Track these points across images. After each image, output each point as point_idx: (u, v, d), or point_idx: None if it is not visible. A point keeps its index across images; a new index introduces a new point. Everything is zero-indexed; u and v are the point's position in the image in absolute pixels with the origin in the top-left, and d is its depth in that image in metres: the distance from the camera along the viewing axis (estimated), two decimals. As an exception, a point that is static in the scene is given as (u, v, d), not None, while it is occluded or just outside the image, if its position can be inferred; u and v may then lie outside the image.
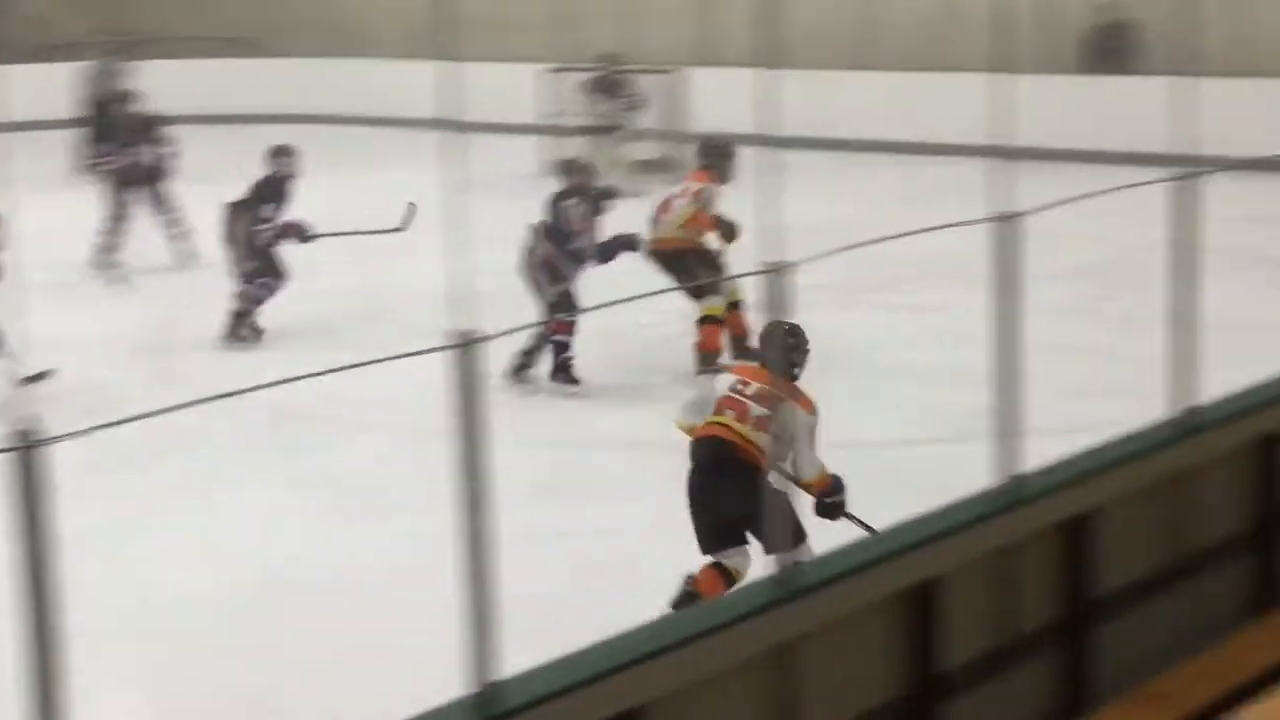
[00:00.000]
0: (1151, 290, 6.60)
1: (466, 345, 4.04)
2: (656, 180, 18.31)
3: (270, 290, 12.06)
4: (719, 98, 17.51)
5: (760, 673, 4.77)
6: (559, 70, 19.71)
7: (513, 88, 19.77)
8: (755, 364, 7.28)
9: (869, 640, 5.13)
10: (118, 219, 14.77)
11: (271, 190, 12.09)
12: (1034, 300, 5.49)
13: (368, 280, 13.80)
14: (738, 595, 4.78)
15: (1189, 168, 6.19)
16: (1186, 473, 6.28)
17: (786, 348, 6.84)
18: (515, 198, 16.57)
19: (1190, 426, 6.22)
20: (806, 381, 7.05)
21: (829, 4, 21.05)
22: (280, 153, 12.33)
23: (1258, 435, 6.58)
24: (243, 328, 12.00)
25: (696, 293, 10.70)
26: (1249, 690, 5.57)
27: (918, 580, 5.16)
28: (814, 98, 18.05)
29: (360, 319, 12.59)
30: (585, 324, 10.46)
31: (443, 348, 4.02)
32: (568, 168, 11.85)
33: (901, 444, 9.39)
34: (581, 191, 10.98)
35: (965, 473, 5.53)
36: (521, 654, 4.13)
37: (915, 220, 6.75)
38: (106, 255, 14.61)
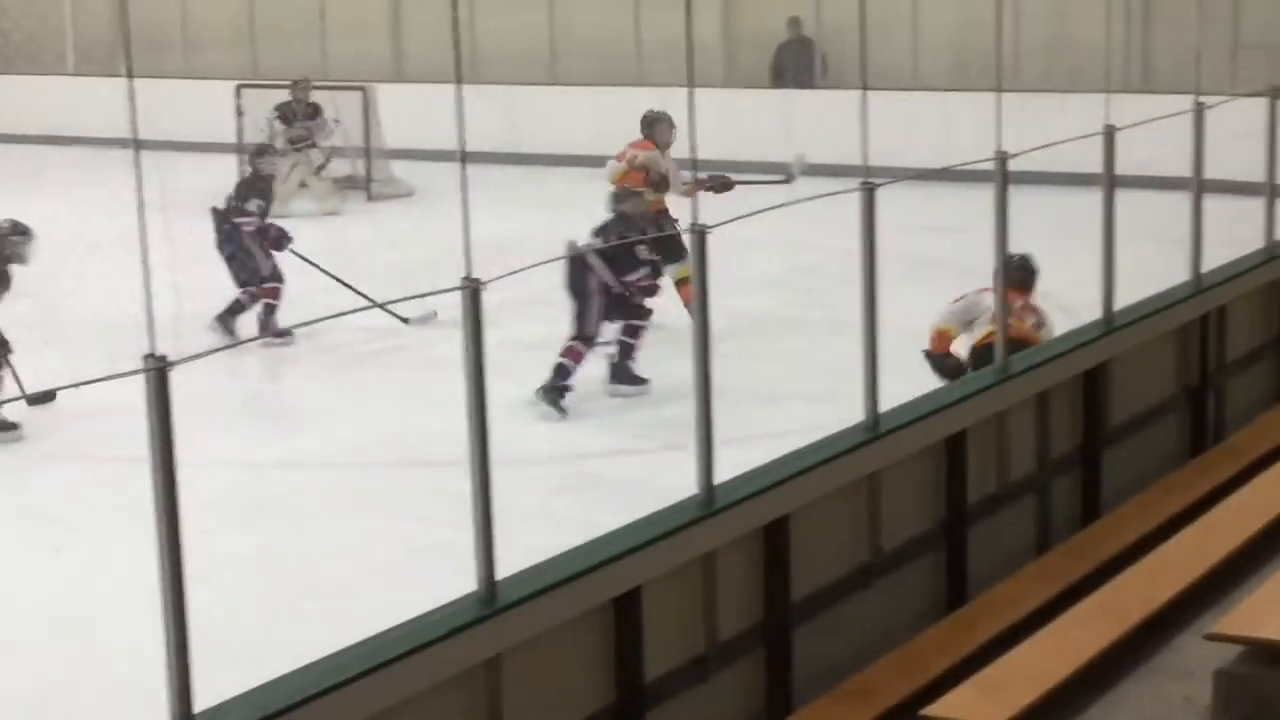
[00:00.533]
0: (839, 298, 6.78)
1: (157, 369, 3.94)
2: (350, 198, 18.17)
3: None
4: (409, 114, 17.48)
5: (465, 689, 4.76)
6: (249, 87, 19.35)
7: (206, 106, 19.36)
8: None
9: (574, 653, 5.16)
10: None
11: None
12: (736, 308, 5.60)
13: (45, 305, 13.35)
14: (441, 614, 4.74)
15: (870, 179, 6.39)
16: (875, 476, 6.47)
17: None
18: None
19: (877, 431, 6.41)
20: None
21: (517, 21, 21.11)
22: None
23: (939, 438, 6.82)
24: None
25: (668, 259, 10.87)
26: (943, 683, 5.76)
27: (620, 591, 5.21)
28: (505, 113, 18.12)
29: (40, 344, 12.16)
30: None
31: (135, 372, 3.92)
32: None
33: (601, 455, 9.46)
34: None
35: (663, 483, 5.59)
36: (226, 681, 4.05)
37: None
38: None
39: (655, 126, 12.52)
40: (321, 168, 17.98)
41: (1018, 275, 8.10)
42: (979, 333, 8.23)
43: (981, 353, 8.02)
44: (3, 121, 22.70)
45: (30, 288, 13.19)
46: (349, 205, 17.92)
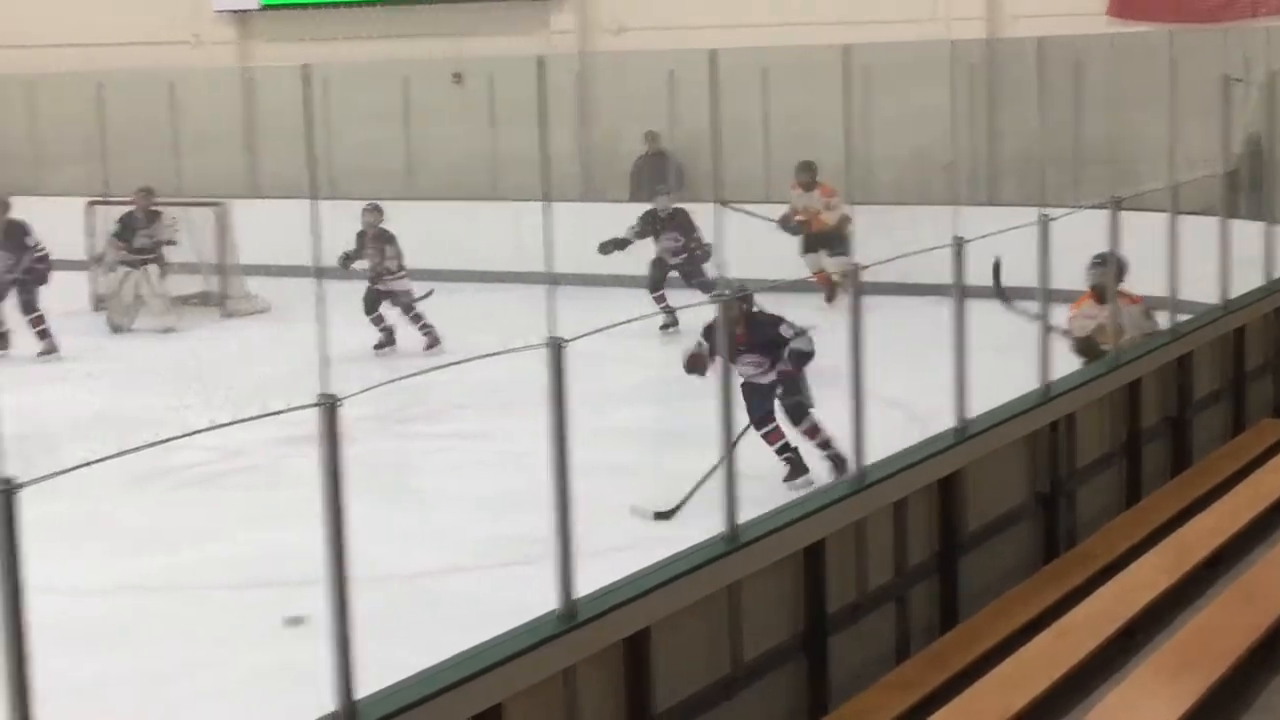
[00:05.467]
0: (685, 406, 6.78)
1: (4, 491, 3.86)
2: (199, 314, 17.96)
3: None
4: (264, 230, 17.39)
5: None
6: (96, 203, 19.16)
7: (58, 223, 19.09)
8: None
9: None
10: None
11: None
12: (591, 423, 5.58)
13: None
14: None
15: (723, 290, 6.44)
16: (735, 586, 6.47)
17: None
18: (65, 334, 16.17)
19: (736, 542, 6.41)
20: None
21: (372, 140, 21.12)
22: None
23: (799, 548, 6.84)
24: None
25: None
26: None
27: (480, 709, 5.15)
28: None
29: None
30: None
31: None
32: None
33: (444, 572, 9.35)
34: None
35: (512, 599, 5.54)
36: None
37: (463, 348, 6.81)
38: None
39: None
40: (160, 280, 17.77)
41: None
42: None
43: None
44: None
45: None
46: (203, 321, 17.73)
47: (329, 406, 4.72)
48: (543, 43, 20.79)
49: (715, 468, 6.86)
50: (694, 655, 6.30)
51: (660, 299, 15.93)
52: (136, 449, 4.58)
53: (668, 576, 6.06)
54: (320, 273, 4.82)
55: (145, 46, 21.96)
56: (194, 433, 5.76)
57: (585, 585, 5.64)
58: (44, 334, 15.81)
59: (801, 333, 10.45)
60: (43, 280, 16.02)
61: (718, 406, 6.53)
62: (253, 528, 10.21)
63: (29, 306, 15.88)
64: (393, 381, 5.64)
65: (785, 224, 17.20)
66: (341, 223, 16.23)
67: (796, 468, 10.65)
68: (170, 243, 17.85)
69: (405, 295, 15.89)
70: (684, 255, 16.27)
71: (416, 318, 15.81)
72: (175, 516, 10.63)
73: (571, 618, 5.52)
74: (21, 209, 16.77)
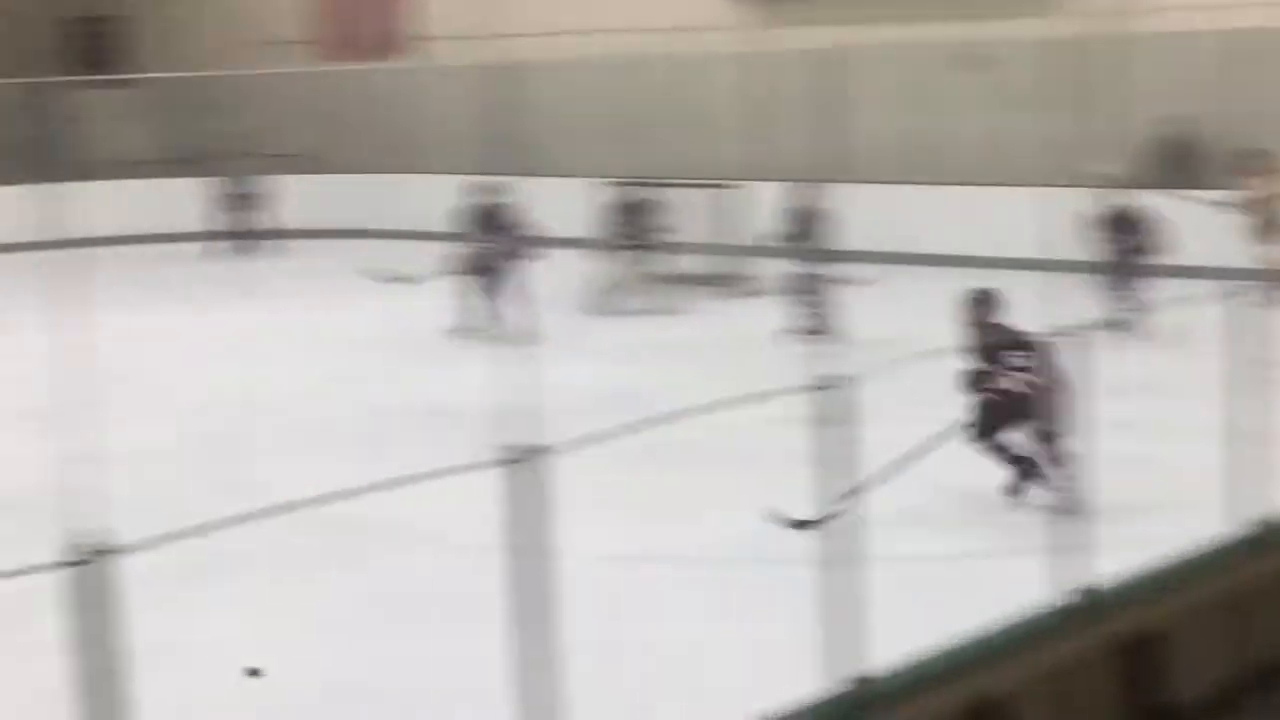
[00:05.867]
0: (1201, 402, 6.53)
1: (528, 459, 4.03)
2: (702, 295, 18.33)
3: None
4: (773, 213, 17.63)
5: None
6: (609, 185, 19.73)
7: (575, 203, 19.86)
8: None
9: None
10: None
11: None
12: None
13: (413, 391, 13.87)
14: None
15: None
16: (1259, 589, 6.20)
17: None
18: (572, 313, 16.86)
19: (1263, 542, 6.14)
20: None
21: (890, 119, 21.14)
22: None
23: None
24: None
25: None
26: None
27: (986, 694, 5.09)
28: (879, 211, 18.26)
29: (409, 430, 12.61)
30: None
31: (504, 461, 4.01)
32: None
33: (956, 557, 9.29)
34: None
35: (1022, 587, 5.46)
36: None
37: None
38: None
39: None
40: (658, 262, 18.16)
41: None
42: None
43: None
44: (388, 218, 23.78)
45: (401, 376, 13.79)
46: (711, 302, 18.12)
47: (836, 388, 4.75)
48: (1059, 25, 20.34)
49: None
50: (1207, 659, 6.07)
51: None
52: (651, 422, 4.75)
53: (1185, 571, 5.86)
54: (823, 256, 4.86)
55: (671, 33, 22.59)
56: (701, 409, 5.93)
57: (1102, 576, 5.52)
58: (529, 315, 16.14)
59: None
60: (528, 261, 16.39)
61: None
62: (758, 504, 10.38)
63: (516, 288, 16.28)
64: (902, 363, 5.62)
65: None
66: (854, 207, 16.35)
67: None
68: (667, 229, 18.21)
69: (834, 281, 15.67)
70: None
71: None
72: (684, 490, 10.89)
73: (1084, 609, 5.41)
74: (551, 189, 17.48)
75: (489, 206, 16.51)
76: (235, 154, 23.61)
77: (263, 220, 23.58)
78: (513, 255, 16.25)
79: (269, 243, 23.47)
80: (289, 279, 21.54)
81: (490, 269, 16.19)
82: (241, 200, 23.49)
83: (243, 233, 23.51)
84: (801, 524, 8.43)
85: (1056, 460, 9.48)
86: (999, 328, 10.17)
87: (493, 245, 16.22)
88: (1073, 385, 7.83)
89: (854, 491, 6.99)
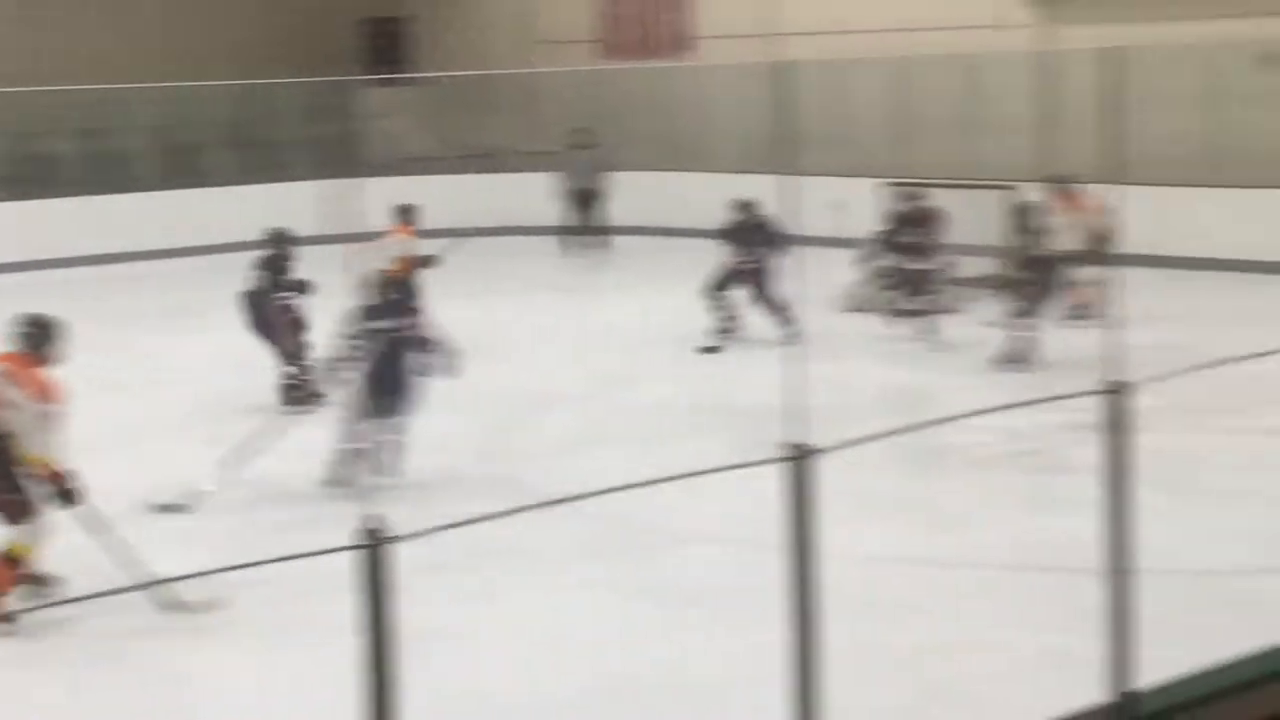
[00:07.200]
0: None
1: (800, 458, 4.04)
2: (983, 297, 18.07)
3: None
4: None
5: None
6: (887, 185, 19.54)
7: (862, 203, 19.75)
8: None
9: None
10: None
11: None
12: None
13: (692, 389, 13.97)
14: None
15: None
16: None
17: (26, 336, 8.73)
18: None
19: None
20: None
21: (1174, 123, 20.60)
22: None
23: None
24: None
25: None
26: None
27: (1267, 714, 4.95)
28: (1156, 216, 17.78)
29: (685, 428, 12.70)
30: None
31: (776, 459, 4.03)
32: None
33: (1235, 573, 9.01)
34: None
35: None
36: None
37: (1262, 341, 6.55)
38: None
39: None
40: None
41: None
42: None
43: None
44: (669, 216, 23.98)
45: (678, 373, 13.88)
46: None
47: (1118, 394, 4.66)
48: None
49: None
50: None
51: None
52: (926, 425, 4.72)
53: None
54: (1116, 260, 4.77)
55: (951, 31, 22.36)
56: (981, 412, 5.87)
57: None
58: (786, 319, 16.02)
59: None
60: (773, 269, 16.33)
61: None
62: (1033, 511, 10.22)
63: (767, 296, 16.21)
64: (1189, 371, 5.49)
65: None
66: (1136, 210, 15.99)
67: None
68: (943, 231, 17.90)
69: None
70: None
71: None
72: (960, 494, 10.78)
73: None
74: (822, 187, 17.42)
75: (752, 218, 16.58)
76: (555, 150, 23.82)
77: (599, 216, 23.72)
78: (770, 257, 16.33)
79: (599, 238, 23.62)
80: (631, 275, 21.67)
81: (753, 273, 16.28)
82: (581, 196, 23.67)
83: (581, 229, 23.70)
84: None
85: None
86: None
87: (754, 249, 16.32)
88: None
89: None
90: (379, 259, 14.18)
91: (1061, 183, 16.74)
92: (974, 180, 19.55)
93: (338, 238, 17.88)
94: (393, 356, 10.82)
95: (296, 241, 14.15)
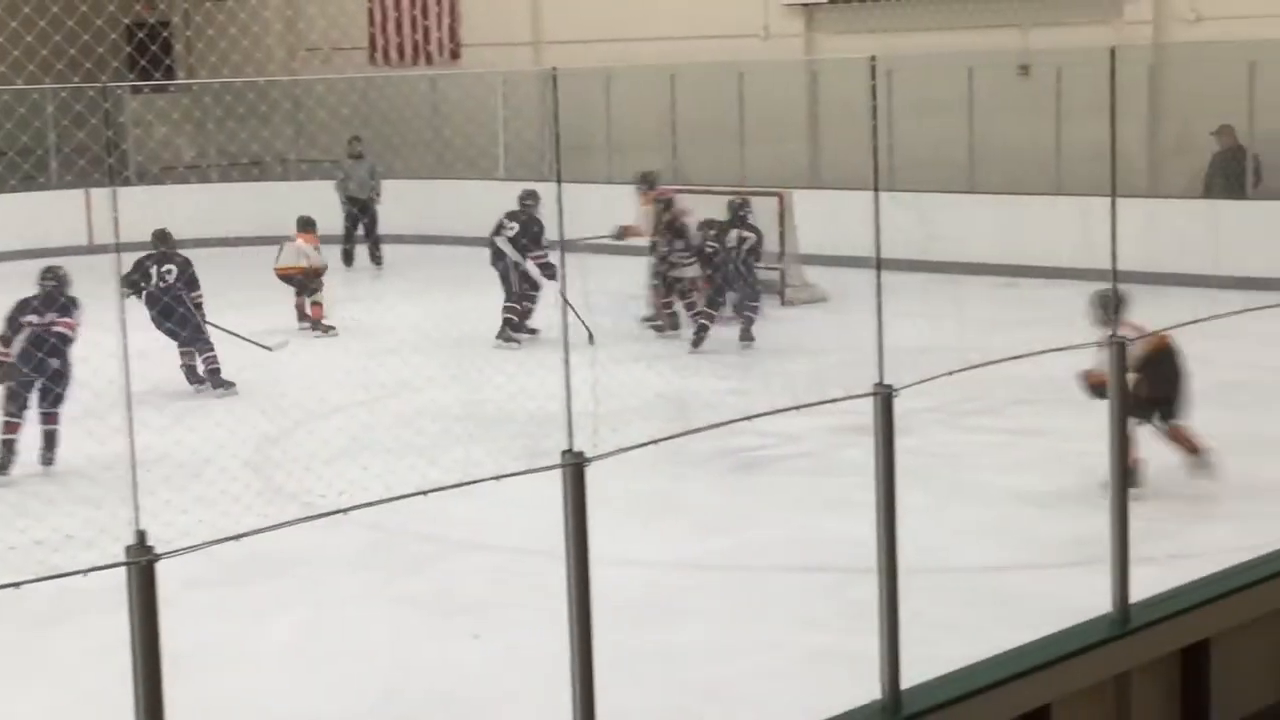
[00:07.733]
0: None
1: (573, 465, 4.05)
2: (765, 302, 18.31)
3: None
4: (823, 219, 17.60)
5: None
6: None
7: (627, 208, 19.88)
8: None
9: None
10: None
11: None
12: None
13: (471, 397, 13.91)
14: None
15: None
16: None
17: None
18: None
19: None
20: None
21: (934, 132, 21.07)
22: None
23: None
24: None
25: None
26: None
27: (1029, 708, 5.08)
28: (920, 220, 18.12)
29: (462, 435, 12.64)
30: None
31: (548, 467, 4.03)
32: None
33: (997, 569, 9.24)
34: None
35: (1068, 600, 5.44)
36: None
37: (1021, 343, 6.73)
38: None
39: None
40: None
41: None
42: None
43: None
44: (443, 224, 23.85)
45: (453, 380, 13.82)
46: (762, 309, 18.07)
47: (884, 397, 4.75)
48: (1114, 33, 20.23)
49: None
50: (1258, 672, 6.02)
51: None
52: (698, 430, 4.76)
53: (1231, 587, 5.82)
54: (880, 264, 4.88)
55: (716, 40, 22.62)
56: (753, 416, 5.93)
57: (1143, 591, 5.49)
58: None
59: None
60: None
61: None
62: (807, 513, 10.36)
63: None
64: (950, 374, 5.61)
65: None
66: (901, 214, 16.28)
67: None
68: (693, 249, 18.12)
69: None
70: None
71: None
72: (733, 498, 10.89)
73: (1126, 623, 5.38)
74: (593, 195, 17.50)
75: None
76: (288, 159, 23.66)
77: (374, 224, 23.28)
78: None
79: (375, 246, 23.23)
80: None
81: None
82: (357, 204, 23.21)
83: (357, 236, 23.25)
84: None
85: None
86: None
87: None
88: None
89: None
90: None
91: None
92: (737, 187, 19.78)
93: (99, 248, 17.45)
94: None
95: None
